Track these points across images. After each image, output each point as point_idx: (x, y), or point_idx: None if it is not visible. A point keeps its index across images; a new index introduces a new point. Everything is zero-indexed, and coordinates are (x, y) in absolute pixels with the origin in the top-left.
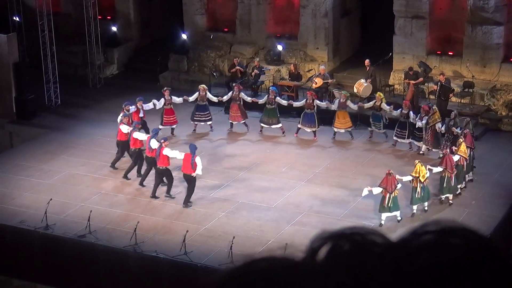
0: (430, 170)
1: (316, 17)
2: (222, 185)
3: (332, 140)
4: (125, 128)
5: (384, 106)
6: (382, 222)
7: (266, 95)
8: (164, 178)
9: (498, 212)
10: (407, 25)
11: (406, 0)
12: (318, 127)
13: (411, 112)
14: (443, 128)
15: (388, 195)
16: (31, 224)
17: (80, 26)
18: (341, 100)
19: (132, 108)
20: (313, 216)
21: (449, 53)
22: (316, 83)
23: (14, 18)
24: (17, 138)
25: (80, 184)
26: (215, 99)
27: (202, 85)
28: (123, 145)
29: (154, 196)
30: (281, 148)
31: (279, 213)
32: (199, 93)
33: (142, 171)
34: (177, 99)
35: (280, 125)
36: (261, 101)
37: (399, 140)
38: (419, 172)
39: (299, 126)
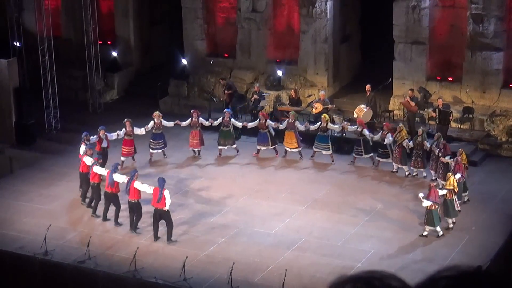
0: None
1: (316, 42)
2: (222, 210)
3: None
4: (89, 160)
5: (331, 126)
6: (440, 233)
7: (221, 117)
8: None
9: (499, 238)
10: (407, 51)
11: (406, 26)
12: (272, 146)
13: (365, 130)
14: (410, 143)
15: (437, 207)
16: (30, 249)
17: (80, 51)
18: (290, 120)
19: (94, 138)
20: (313, 242)
21: (449, 79)
22: (316, 109)
23: (15, 43)
24: (17, 163)
25: (80, 210)
26: (171, 123)
27: (156, 112)
28: (86, 177)
29: (134, 229)
30: (281, 173)
31: (279, 239)
32: (155, 121)
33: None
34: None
35: (235, 145)
36: (216, 123)
37: (357, 157)
38: (453, 184)
39: (256, 146)
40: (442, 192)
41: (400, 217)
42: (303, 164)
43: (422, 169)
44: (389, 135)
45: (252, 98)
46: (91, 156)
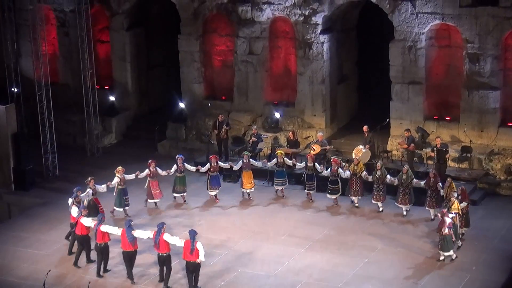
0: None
1: (313, 83)
2: (222, 253)
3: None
4: (88, 221)
5: (287, 161)
6: (454, 256)
7: (174, 165)
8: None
9: (500, 277)
10: (404, 91)
11: (403, 66)
12: (218, 188)
13: (316, 164)
14: (370, 178)
15: (451, 232)
16: None
17: (78, 96)
18: (245, 161)
19: (84, 196)
20: (314, 284)
21: (446, 118)
22: (314, 150)
23: (13, 89)
24: (16, 209)
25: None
26: (132, 176)
27: (119, 167)
28: (87, 239)
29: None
30: (280, 214)
31: (279, 281)
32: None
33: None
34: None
35: (185, 193)
36: (171, 172)
37: (311, 192)
38: (457, 208)
39: (209, 192)
40: (450, 216)
41: (400, 257)
42: (302, 205)
43: (382, 203)
44: (343, 170)
45: (250, 141)
46: (86, 215)
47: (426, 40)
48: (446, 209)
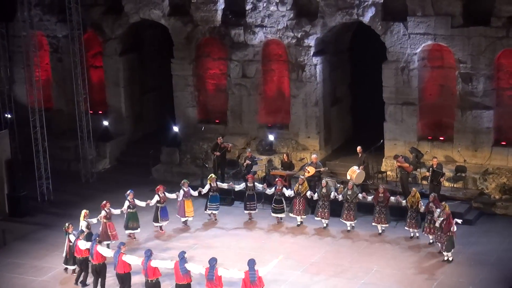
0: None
1: (307, 106)
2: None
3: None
4: (83, 244)
5: (221, 185)
6: (451, 258)
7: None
8: None
9: None
10: (398, 112)
11: (396, 87)
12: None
13: (257, 184)
14: (315, 196)
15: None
16: None
17: (72, 122)
18: (185, 189)
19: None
20: None
21: (440, 138)
22: (308, 172)
23: (6, 115)
24: (10, 236)
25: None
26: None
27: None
28: (86, 261)
29: None
30: (275, 238)
31: None
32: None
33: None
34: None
35: (139, 230)
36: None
37: (251, 212)
38: (448, 210)
39: (159, 223)
40: (440, 219)
41: (396, 278)
42: (296, 229)
43: (327, 220)
44: (287, 189)
45: (245, 164)
46: (84, 239)
47: (418, 61)
48: (449, 212)
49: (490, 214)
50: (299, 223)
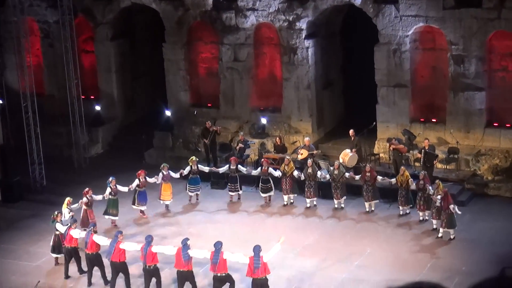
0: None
1: (299, 89)
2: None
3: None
4: (76, 233)
5: (202, 168)
6: (453, 236)
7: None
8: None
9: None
10: (390, 94)
11: (388, 70)
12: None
13: (240, 166)
14: (302, 175)
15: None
16: None
17: (64, 107)
18: (164, 173)
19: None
20: None
21: (433, 120)
22: (301, 155)
23: None
24: (3, 221)
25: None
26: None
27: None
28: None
29: None
30: (268, 221)
31: (271, 287)
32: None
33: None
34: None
35: (117, 218)
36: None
37: (232, 194)
38: (442, 188)
39: (138, 206)
40: (439, 199)
41: (390, 260)
42: (290, 212)
43: (314, 198)
44: (274, 169)
45: (237, 147)
46: (75, 228)
47: (410, 43)
48: (447, 189)
49: (483, 195)
50: (285, 203)
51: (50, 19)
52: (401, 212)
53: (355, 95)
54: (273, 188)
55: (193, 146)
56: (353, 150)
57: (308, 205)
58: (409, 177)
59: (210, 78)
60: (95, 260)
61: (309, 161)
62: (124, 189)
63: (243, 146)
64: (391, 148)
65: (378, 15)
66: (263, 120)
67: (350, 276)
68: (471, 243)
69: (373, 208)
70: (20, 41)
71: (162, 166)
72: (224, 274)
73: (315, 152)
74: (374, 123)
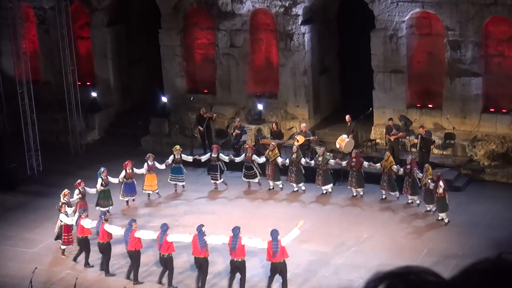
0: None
1: (296, 75)
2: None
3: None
4: (87, 223)
5: (185, 157)
6: (447, 220)
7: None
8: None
9: None
10: (386, 80)
11: (384, 55)
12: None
13: (221, 154)
14: (287, 161)
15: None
16: None
17: (60, 93)
18: (150, 163)
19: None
20: (301, 274)
21: (429, 106)
22: (298, 141)
23: None
24: (0, 208)
25: (65, 251)
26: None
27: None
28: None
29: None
30: (265, 207)
31: (267, 272)
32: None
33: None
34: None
35: (110, 207)
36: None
37: (216, 181)
38: (431, 173)
39: (124, 198)
40: (432, 183)
41: (386, 245)
42: (286, 198)
43: (295, 184)
44: (258, 156)
45: (234, 133)
46: (86, 217)
47: (407, 29)
48: (440, 173)
49: (479, 180)
50: (271, 187)
51: (45, 5)
52: (383, 196)
53: (351, 81)
54: (258, 174)
55: (189, 132)
56: (349, 135)
57: (295, 188)
58: (393, 162)
59: (207, 64)
60: (107, 249)
61: (294, 147)
62: (115, 180)
63: (239, 132)
64: (391, 139)
65: (375, 0)
66: (260, 106)
67: (347, 262)
68: (468, 228)
69: (361, 194)
70: (16, 27)
71: (147, 156)
72: (241, 260)
73: (311, 138)
74: (371, 109)
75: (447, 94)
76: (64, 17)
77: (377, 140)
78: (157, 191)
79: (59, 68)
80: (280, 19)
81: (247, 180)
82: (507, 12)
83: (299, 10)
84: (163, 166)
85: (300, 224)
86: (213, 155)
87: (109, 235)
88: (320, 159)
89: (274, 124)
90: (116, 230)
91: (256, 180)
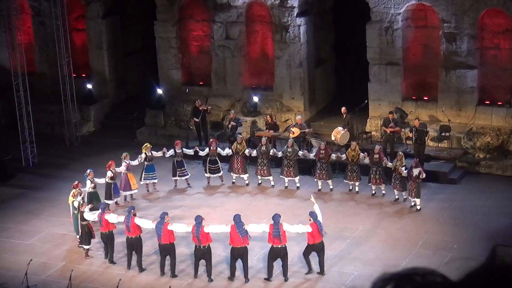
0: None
1: (291, 67)
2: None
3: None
4: (113, 217)
5: (186, 151)
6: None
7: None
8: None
9: (481, 256)
10: (382, 72)
11: (380, 48)
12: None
13: (185, 149)
14: (254, 152)
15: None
16: (12, 286)
17: (55, 85)
18: (127, 162)
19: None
20: (296, 267)
21: (425, 98)
22: (293, 133)
23: None
24: None
25: (61, 243)
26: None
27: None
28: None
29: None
30: (260, 200)
31: (262, 265)
32: (175, 149)
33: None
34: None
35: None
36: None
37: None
38: (402, 160)
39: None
40: (403, 169)
41: (381, 238)
42: (280, 192)
43: (269, 177)
44: (226, 149)
45: (229, 125)
46: (110, 213)
47: (402, 21)
48: (417, 159)
49: (474, 173)
50: (233, 180)
51: None
52: (350, 188)
53: (347, 73)
54: (221, 169)
55: (185, 124)
56: (345, 128)
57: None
58: (359, 151)
59: (202, 56)
60: (137, 243)
61: (263, 140)
62: (101, 180)
63: (235, 124)
64: (387, 131)
65: None
66: (255, 98)
67: (342, 254)
68: (463, 221)
69: (331, 187)
70: (11, 19)
71: (124, 155)
72: (283, 246)
73: (307, 130)
74: (366, 101)
75: (443, 86)
76: (59, 8)
77: (373, 133)
78: (136, 190)
79: (54, 60)
80: (276, 11)
81: (209, 175)
82: (502, 5)
83: (294, 2)
84: (136, 162)
85: (313, 199)
86: (177, 151)
87: (140, 229)
88: (289, 150)
89: (268, 116)
90: (147, 223)
91: (220, 174)
